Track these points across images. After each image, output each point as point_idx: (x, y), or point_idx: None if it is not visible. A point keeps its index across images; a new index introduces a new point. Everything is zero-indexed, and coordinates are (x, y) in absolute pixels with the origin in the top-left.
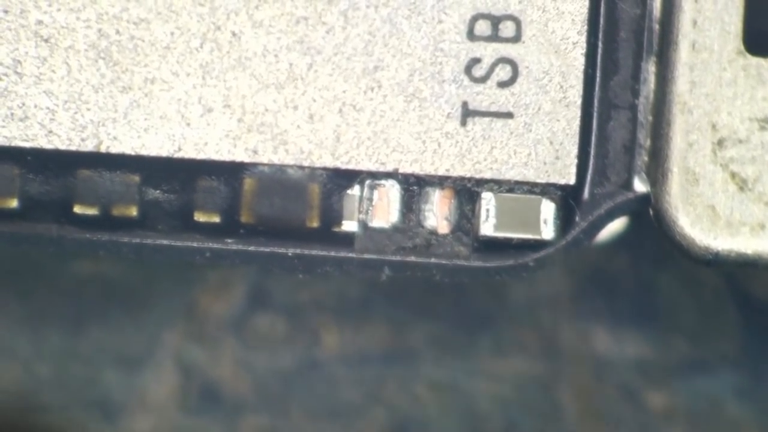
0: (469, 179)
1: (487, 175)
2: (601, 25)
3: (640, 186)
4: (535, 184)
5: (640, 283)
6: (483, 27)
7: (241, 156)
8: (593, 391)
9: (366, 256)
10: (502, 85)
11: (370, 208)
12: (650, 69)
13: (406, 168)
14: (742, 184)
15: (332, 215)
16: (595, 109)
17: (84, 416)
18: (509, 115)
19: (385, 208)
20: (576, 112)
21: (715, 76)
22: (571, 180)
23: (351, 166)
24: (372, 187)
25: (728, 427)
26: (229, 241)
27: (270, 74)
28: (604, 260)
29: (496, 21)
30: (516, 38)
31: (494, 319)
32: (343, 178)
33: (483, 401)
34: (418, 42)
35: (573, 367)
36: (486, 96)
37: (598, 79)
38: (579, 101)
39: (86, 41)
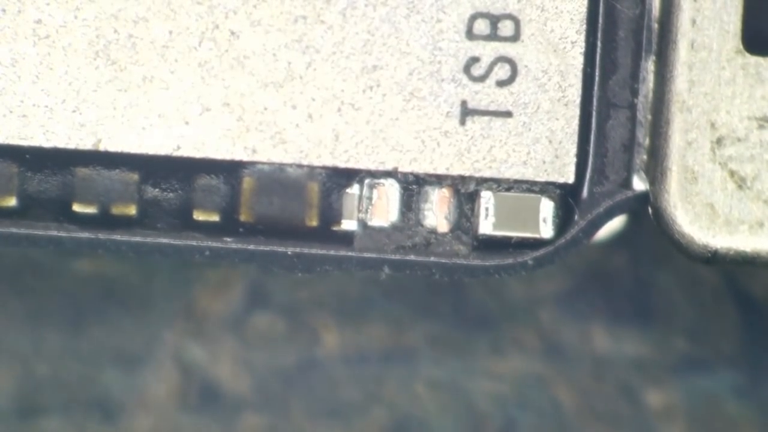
0: (469, 178)
1: (486, 173)
2: (600, 24)
3: (639, 184)
4: (534, 183)
5: (638, 282)
6: (482, 26)
7: (240, 155)
8: (592, 390)
9: (365, 254)
10: (501, 84)
11: (370, 206)
12: (649, 68)
13: (405, 167)
14: (741, 183)
15: (331, 214)
16: (594, 108)
17: (84, 416)
18: (508, 114)
19: (384, 207)
20: (575, 111)
21: (714, 75)
22: (570, 179)
23: (350, 165)
24: (371, 186)
25: (727, 425)
26: (228, 239)
27: (269, 73)
28: (602, 259)
29: (494, 20)
30: (515, 37)
31: (493, 318)
32: (342, 177)
33: (482, 400)
34: (417, 41)
35: (572, 365)
36: (485, 95)
37: (596, 78)
38: (578, 100)
39: (84, 40)
